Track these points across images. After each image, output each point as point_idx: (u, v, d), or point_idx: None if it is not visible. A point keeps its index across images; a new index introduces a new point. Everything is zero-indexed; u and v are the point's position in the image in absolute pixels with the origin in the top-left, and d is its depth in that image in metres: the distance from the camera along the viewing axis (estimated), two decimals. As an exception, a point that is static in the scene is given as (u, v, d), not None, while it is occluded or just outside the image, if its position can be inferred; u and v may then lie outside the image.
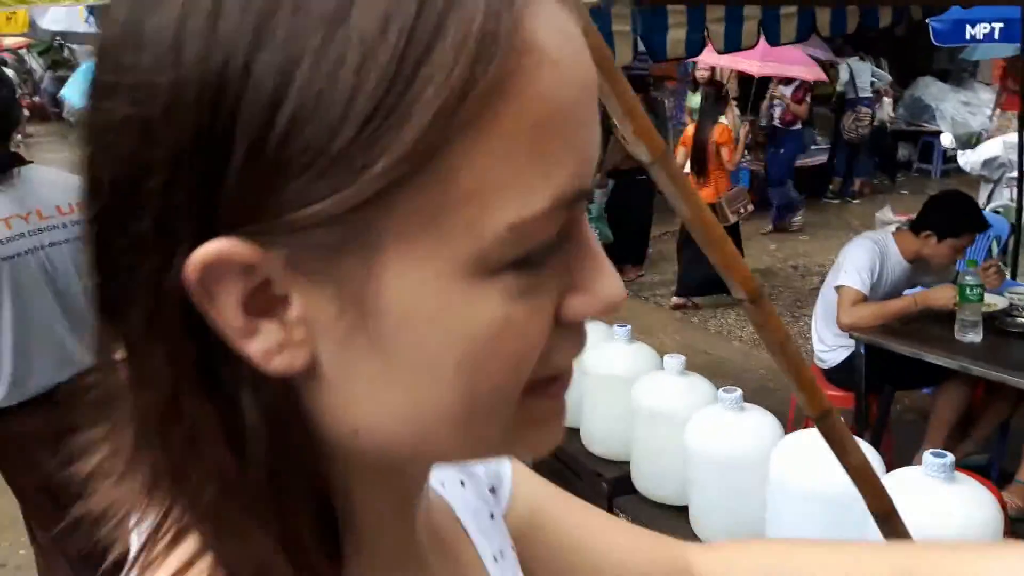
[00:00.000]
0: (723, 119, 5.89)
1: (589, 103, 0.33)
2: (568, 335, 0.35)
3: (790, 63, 7.61)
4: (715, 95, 6.04)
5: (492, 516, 0.53)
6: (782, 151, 8.08)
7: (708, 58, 6.75)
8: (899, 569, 0.54)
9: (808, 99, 8.17)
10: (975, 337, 2.82)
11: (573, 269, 0.34)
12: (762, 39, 3.39)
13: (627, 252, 6.66)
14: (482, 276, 0.31)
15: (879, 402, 3.15)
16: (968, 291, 2.78)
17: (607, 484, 2.89)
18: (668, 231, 8.10)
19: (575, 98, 0.32)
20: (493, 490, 0.56)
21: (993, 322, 2.90)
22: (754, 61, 7.27)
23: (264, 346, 0.31)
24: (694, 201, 1.00)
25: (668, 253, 7.55)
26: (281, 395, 0.32)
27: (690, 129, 6.06)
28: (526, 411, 0.35)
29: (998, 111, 7.98)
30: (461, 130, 0.29)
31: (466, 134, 0.29)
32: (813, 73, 7.99)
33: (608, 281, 0.35)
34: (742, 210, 5.88)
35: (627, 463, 2.84)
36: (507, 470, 0.57)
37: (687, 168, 5.83)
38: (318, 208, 0.28)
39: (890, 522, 1.29)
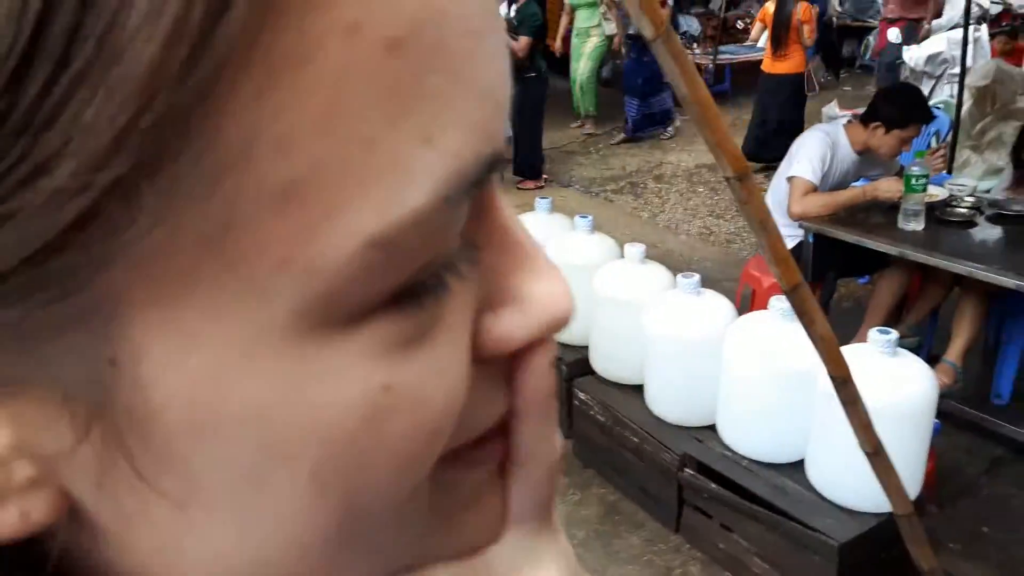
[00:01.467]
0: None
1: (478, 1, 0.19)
2: (493, 373, 0.23)
3: None
4: None
5: None
6: (646, 58, 6.66)
7: None
8: None
9: (671, 3, 7.71)
10: (917, 226, 2.96)
11: (488, 275, 0.22)
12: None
13: (527, 165, 6.26)
14: (330, 330, 0.18)
15: (823, 288, 3.31)
16: (913, 181, 2.90)
17: (566, 367, 3.02)
18: (592, 131, 8.10)
19: None
20: None
21: (933, 212, 3.04)
22: None
23: None
24: (692, 79, 1.04)
25: (616, 150, 7.58)
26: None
27: (770, 6, 6.46)
28: (443, 494, 0.23)
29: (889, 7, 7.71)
30: (219, 78, 0.15)
31: (233, 81, 0.15)
32: None
33: (545, 286, 0.23)
34: (823, 79, 6.93)
35: (585, 347, 2.96)
36: None
37: (762, 42, 6.79)
38: None
39: (847, 387, 1.42)
